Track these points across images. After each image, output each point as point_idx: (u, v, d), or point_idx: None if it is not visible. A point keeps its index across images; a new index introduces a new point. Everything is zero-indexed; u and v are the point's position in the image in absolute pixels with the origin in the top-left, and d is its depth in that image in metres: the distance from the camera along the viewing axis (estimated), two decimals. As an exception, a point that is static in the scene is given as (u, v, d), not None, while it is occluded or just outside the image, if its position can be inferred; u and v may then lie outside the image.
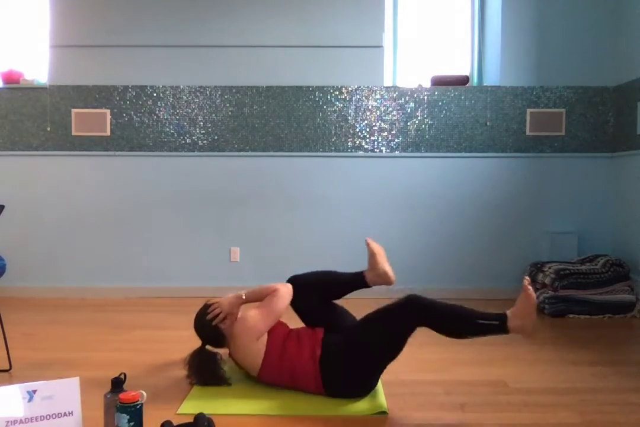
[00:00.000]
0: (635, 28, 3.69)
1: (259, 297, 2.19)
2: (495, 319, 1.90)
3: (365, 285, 2.33)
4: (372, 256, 2.32)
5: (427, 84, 4.01)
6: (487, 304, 3.59)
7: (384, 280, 2.30)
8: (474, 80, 4.18)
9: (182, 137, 3.97)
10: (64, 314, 3.43)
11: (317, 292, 2.30)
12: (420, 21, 4.20)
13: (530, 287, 1.91)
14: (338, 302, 2.36)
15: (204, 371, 2.13)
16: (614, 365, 2.46)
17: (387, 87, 3.96)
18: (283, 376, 2.06)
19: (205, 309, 2.19)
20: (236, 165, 3.97)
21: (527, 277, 1.98)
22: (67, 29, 3.92)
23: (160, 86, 3.95)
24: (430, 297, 2.00)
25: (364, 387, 2.06)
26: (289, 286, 2.21)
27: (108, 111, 3.95)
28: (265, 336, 2.09)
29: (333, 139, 3.96)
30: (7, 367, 2.33)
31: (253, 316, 2.09)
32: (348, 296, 2.37)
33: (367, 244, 2.34)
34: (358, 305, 2.43)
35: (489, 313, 1.94)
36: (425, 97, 3.95)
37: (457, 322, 1.95)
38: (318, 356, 2.02)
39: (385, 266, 2.30)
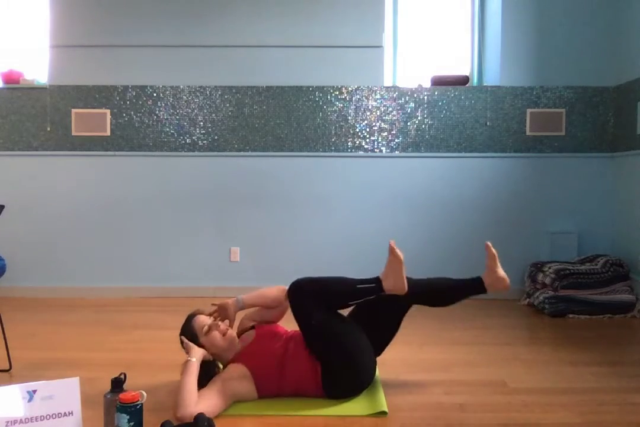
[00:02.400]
0: (635, 28, 3.69)
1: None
2: (372, 282, 2.06)
3: (484, 290, 2.21)
4: (491, 260, 2.22)
5: (427, 84, 4.01)
6: (487, 304, 3.61)
7: (501, 285, 2.20)
8: (474, 80, 4.18)
9: (182, 137, 3.97)
10: (64, 314, 3.43)
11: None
12: (420, 21, 4.20)
13: (396, 248, 2.08)
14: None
15: (202, 372, 2.11)
16: (613, 365, 2.47)
17: (387, 87, 3.96)
18: (284, 392, 2.03)
19: (188, 322, 2.12)
20: (236, 165, 3.97)
21: (392, 240, 2.11)
22: (67, 29, 3.92)
23: (160, 86, 3.95)
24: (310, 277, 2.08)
25: (357, 381, 2.05)
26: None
27: (108, 111, 3.95)
28: (251, 379, 1.98)
29: (333, 139, 3.96)
30: (7, 367, 2.33)
31: (206, 405, 1.85)
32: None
33: (487, 248, 2.23)
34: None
35: (365, 278, 2.09)
36: (425, 97, 3.95)
37: (342, 290, 2.07)
38: (320, 367, 2.01)
39: (501, 270, 2.21)
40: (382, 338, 2.19)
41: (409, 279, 2.11)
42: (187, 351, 2.01)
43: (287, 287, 2.17)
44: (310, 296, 2.04)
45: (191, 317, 2.15)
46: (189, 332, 2.09)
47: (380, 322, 2.18)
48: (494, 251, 2.24)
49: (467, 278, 2.24)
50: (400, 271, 2.05)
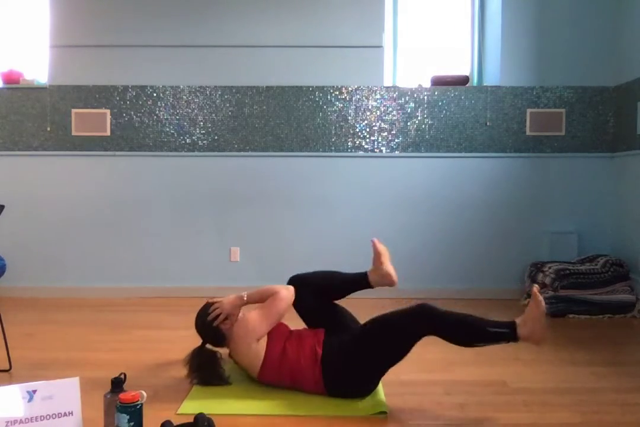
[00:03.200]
0: (635, 28, 3.69)
1: (261, 298, 2.19)
2: (506, 327, 1.91)
3: (368, 285, 2.32)
4: (377, 256, 2.31)
5: (427, 84, 4.01)
6: (487, 304, 3.61)
7: (387, 281, 2.29)
8: (474, 80, 4.18)
9: (182, 137, 3.97)
10: (64, 314, 3.43)
11: (318, 292, 2.29)
12: (420, 21, 4.20)
13: (539, 295, 1.91)
14: (340, 301, 2.36)
15: (204, 369, 2.14)
16: (613, 365, 2.47)
17: (387, 87, 3.96)
18: (283, 377, 2.06)
19: (206, 308, 2.19)
20: (236, 165, 3.97)
21: (536, 285, 1.98)
22: (67, 29, 3.92)
23: (160, 86, 3.95)
24: (434, 300, 2.03)
25: (365, 388, 2.06)
26: (291, 288, 2.20)
27: (108, 111, 3.95)
28: (265, 338, 2.09)
29: (333, 139, 3.96)
30: (7, 367, 2.33)
31: (253, 318, 2.09)
32: (349, 295, 2.36)
33: (373, 245, 2.33)
34: (359, 305, 2.43)
35: (499, 321, 1.94)
36: (425, 97, 3.95)
37: (467, 331, 1.96)
38: (319, 356, 2.02)
39: (389, 267, 2.29)
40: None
41: (305, 274, 2.33)
42: (224, 306, 2.15)
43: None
44: (431, 325, 1.97)
45: (208, 305, 2.21)
46: (205, 318, 2.17)
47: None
48: (379, 247, 2.32)
49: (354, 273, 2.35)
50: (542, 317, 1.91)
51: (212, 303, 2.20)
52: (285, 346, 2.08)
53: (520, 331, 1.89)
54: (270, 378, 2.08)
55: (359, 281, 2.32)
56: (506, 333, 1.90)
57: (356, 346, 2.03)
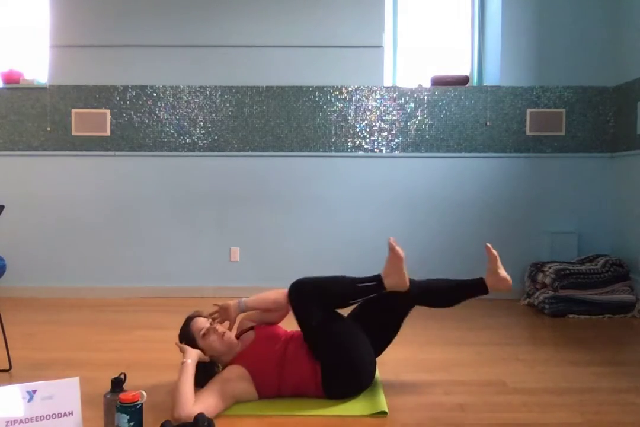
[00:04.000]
0: (635, 28, 3.69)
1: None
2: (372, 280, 2.06)
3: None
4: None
5: (427, 84, 4.01)
6: (487, 304, 3.61)
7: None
8: (474, 80, 4.18)
9: (182, 137, 3.97)
10: (64, 314, 3.43)
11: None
12: (420, 21, 4.20)
13: (396, 245, 2.06)
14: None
15: (200, 373, 2.10)
16: (614, 365, 2.47)
17: (387, 87, 3.96)
18: (283, 393, 2.03)
19: (187, 324, 2.12)
20: (236, 165, 3.97)
21: (391, 238, 2.09)
22: (67, 29, 3.92)
23: (160, 86, 3.95)
24: (309, 277, 2.08)
25: (357, 380, 2.05)
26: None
27: (108, 111, 3.95)
28: (250, 380, 1.98)
29: (333, 139, 3.96)
30: (7, 367, 2.33)
31: (204, 406, 1.86)
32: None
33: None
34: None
35: (365, 277, 2.08)
36: (425, 97, 3.95)
37: (343, 290, 2.07)
38: (319, 368, 2.01)
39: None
40: (382, 339, 2.18)
41: (410, 280, 2.09)
42: (183, 353, 2.00)
43: (287, 289, 2.17)
44: (311, 297, 2.04)
45: (189, 319, 2.14)
46: (187, 334, 2.09)
47: (381, 322, 2.17)
48: (494, 252, 2.24)
49: (469, 279, 2.23)
50: (401, 268, 2.05)
51: (193, 317, 2.13)
52: (282, 373, 2.01)
53: (386, 282, 2.04)
54: (270, 397, 2.03)
55: (476, 287, 2.20)
56: (374, 285, 2.05)
57: (320, 351, 2.02)
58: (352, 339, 2.05)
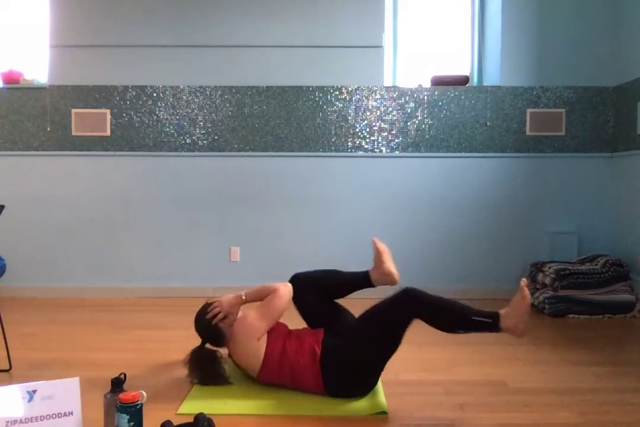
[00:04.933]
0: (635, 28, 3.69)
1: (259, 297, 2.19)
2: (489, 317, 1.93)
3: (370, 284, 2.32)
4: (378, 255, 2.31)
5: (427, 84, 4.01)
6: (487, 304, 3.60)
7: (389, 280, 2.30)
8: (474, 80, 4.18)
9: (182, 137, 3.97)
10: (64, 314, 3.43)
11: (320, 291, 2.30)
12: (420, 21, 4.20)
13: (526, 289, 1.95)
14: (340, 301, 2.36)
15: (204, 369, 2.14)
16: (614, 365, 2.47)
17: (387, 87, 3.96)
18: (283, 376, 2.06)
19: (205, 308, 2.19)
20: (236, 165, 3.97)
21: (524, 279, 2.00)
22: (67, 29, 3.92)
23: (160, 86, 3.95)
24: (426, 291, 2.03)
25: (364, 386, 2.06)
26: (289, 286, 2.21)
27: (108, 111, 3.95)
28: (265, 337, 2.09)
29: (333, 139, 3.96)
30: (7, 367, 2.33)
31: (253, 316, 2.09)
32: (350, 295, 2.36)
33: (374, 244, 2.33)
34: (360, 305, 2.43)
35: (484, 311, 1.96)
36: (425, 97, 3.95)
37: (451, 316, 1.98)
38: (318, 355, 2.02)
39: (391, 265, 2.30)
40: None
41: (305, 273, 2.33)
42: (223, 305, 2.15)
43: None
44: (417, 308, 1.99)
45: (207, 305, 2.21)
46: (204, 319, 2.16)
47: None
48: (380, 245, 2.33)
49: (356, 272, 2.35)
50: (526, 311, 1.94)
51: (211, 303, 2.19)
52: (285, 345, 2.08)
53: (503, 323, 1.91)
54: (270, 378, 2.08)
55: (361, 280, 2.32)
56: (489, 323, 1.92)
57: (352, 340, 2.03)
58: (395, 348, 2.04)
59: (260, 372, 2.07)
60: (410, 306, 1.98)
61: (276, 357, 2.05)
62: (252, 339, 2.05)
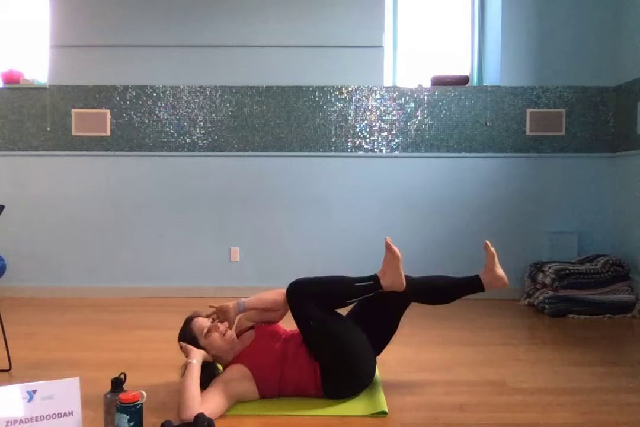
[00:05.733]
0: (635, 28, 3.69)
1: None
2: (369, 280, 2.07)
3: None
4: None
5: (427, 84, 4.01)
6: (487, 304, 3.61)
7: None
8: (474, 80, 4.18)
9: (182, 137, 3.97)
10: (64, 314, 3.43)
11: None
12: (420, 21, 4.20)
13: (392, 245, 2.06)
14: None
15: (202, 377, 2.09)
16: (614, 365, 2.46)
17: (387, 87, 3.96)
18: (284, 393, 2.04)
19: (186, 325, 2.12)
20: (236, 165, 3.97)
21: (388, 237, 2.10)
22: (67, 29, 3.92)
23: (160, 86, 3.95)
24: (307, 277, 2.07)
25: (355, 380, 2.05)
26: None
27: (108, 111, 3.95)
28: (252, 379, 1.98)
29: (333, 139, 3.96)
30: (7, 367, 2.33)
31: (210, 406, 1.87)
32: None
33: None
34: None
35: (362, 277, 2.09)
36: (425, 97, 3.95)
37: (340, 289, 2.07)
38: (319, 369, 2.01)
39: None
40: (381, 337, 2.19)
41: (406, 277, 2.10)
42: (187, 354, 2.00)
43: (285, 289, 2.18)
44: (309, 296, 2.04)
45: (189, 320, 2.14)
46: (188, 335, 2.08)
47: (379, 321, 2.18)
48: (492, 249, 2.26)
49: (465, 276, 2.26)
50: (397, 267, 2.06)
51: (192, 318, 2.13)
52: (283, 368, 2.01)
53: (383, 282, 2.05)
54: (271, 396, 2.04)
55: (472, 285, 2.23)
56: (371, 284, 2.06)
57: (318, 350, 2.02)
58: (351, 338, 2.05)
59: (261, 396, 2.02)
60: (303, 296, 2.03)
61: (275, 390, 2.01)
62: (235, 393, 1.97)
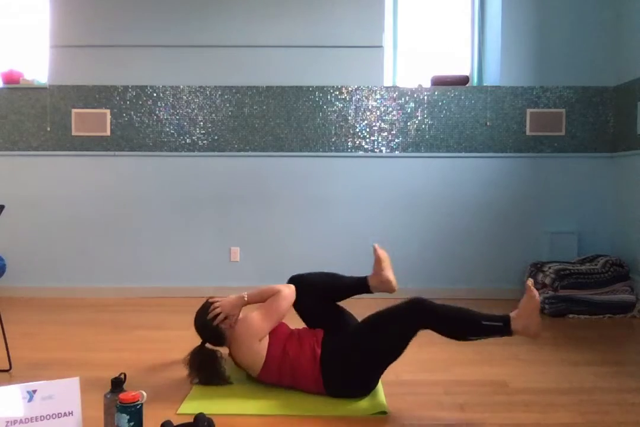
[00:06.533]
0: (635, 28, 3.69)
1: (261, 298, 2.19)
2: (499, 321, 1.91)
3: (368, 290, 2.32)
4: (377, 262, 2.30)
5: (427, 84, 4.01)
6: (487, 304, 3.61)
7: (387, 287, 2.29)
8: (474, 80, 4.18)
9: (182, 137, 3.97)
10: (64, 314, 3.43)
11: (319, 293, 2.29)
12: (420, 21, 4.20)
13: (534, 289, 1.93)
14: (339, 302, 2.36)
15: (205, 368, 2.14)
16: (614, 365, 2.47)
17: (387, 87, 3.96)
18: (284, 376, 2.07)
19: (205, 307, 2.19)
20: (236, 165, 3.97)
21: (530, 279, 1.98)
22: (67, 29, 3.92)
23: (160, 86, 3.95)
24: (433, 300, 2.00)
25: (365, 387, 2.06)
26: (292, 287, 2.21)
27: (108, 111, 3.95)
28: (267, 338, 2.09)
29: (333, 139, 3.96)
30: (7, 367, 2.33)
31: (255, 318, 2.09)
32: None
33: (374, 250, 2.33)
34: (358, 305, 2.43)
35: (493, 315, 1.94)
36: (425, 97, 3.95)
37: (461, 324, 1.96)
38: (318, 355, 2.03)
39: (390, 273, 2.29)
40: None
41: (304, 275, 2.31)
42: (224, 306, 2.14)
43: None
44: (428, 318, 1.98)
45: (209, 303, 2.20)
46: (205, 315, 2.16)
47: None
48: (380, 252, 2.32)
49: (354, 277, 2.34)
50: (536, 312, 1.91)
51: (212, 302, 2.19)
52: (286, 346, 2.08)
53: (514, 325, 1.89)
54: (271, 378, 2.08)
55: (359, 286, 2.32)
56: (500, 327, 1.90)
57: (353, 344, 2.03)
58: (399, 355, 2.05)
59: (261, 372, 2.07)
60: (418, 318, 1.96)
61: (277, 358, 2.05)
62: (254, 340, 2.05)
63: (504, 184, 3.95)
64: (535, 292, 1.91)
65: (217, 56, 3.93)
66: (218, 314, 2.14)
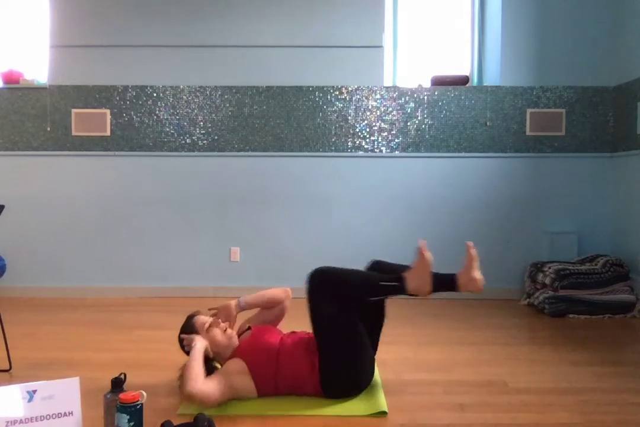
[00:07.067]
0: (635, 28, 3.69)
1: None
2: (395, 281, 2.03)
3: (455, 288, 2.13)
4: (469, 260, 2.12)
5: (427, 84, 4.01)
6: (487, 304, 3.61)
7: (475, 286, 2.12)
8: (474, 80, 4.18)
9: (182, 137, 3.97)
10: (64, 314, 3.43)
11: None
12: (420, 21, 4.20)
13: (425, 251, 2.05)
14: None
15: None
16: (614, 365, 2.47)
17: (387, 87, 3.96)
18: (280, 390, 2.03)
19: (188, 321, 2.15)
20: (236, 165, 3.97)
21: (422, 240, 2.09)
22: (67, 29, 3.92)
23: (160, 86, 3.95)
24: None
25: (356, 384, 2.05)
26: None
27: (108, 111, 3.95)
28: (249, 377, 1.99)
29: (333, 139, 3.96)
30: (7, 367, 2.33)
31: (215, 381, 1.94)
32: None
33: (467, 248, 2.12)
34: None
35: (389, 276, 2.06)
36: (425, 97, 3.95)
37: (363, 285, 2.05)
38: (317, 364, 2.01)
39: (478, 272, 2.14)
40: (374, 334, 2.18)
41: (379, 262, 2.21)
42: (188, 344, 2.04)
43: (287, 289, 2.20)
44: (330, 285, 2.02)
45: (191, 316, 2.18)
46: (189, 329, 2.12)
47: (369, 317, 2.15)
48: (473, 252, 2.17)
49: (441, 273, 2.15)
50: (427, 273, 2.02)
51: (192, 316, 2.16)
52: (279, 365, 2.00)
53: (408, 285, 2.01)
54: (269, 393, 2.04)
55: (446, 283, 2.13)
56: (396, 286, 2.02)
57: (322, 344, 2.01)
58: (357, 335, 2.03)
59: (258, 395, 2.02)
60: (328, 285, 2.01)
61: (271, 386, 2.01)
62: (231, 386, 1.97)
63: (504, 184, 3.95)
64: (427, 254, 2.03)
65: (217, 56, 3.93)
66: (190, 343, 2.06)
